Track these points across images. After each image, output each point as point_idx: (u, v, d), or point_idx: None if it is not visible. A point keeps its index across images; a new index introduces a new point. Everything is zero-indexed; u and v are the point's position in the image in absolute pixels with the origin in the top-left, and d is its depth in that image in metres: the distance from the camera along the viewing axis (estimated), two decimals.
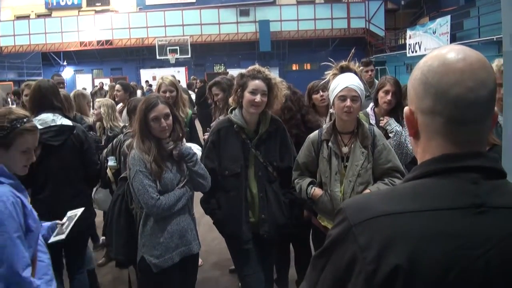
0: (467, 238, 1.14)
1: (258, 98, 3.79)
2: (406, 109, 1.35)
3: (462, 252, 1.13)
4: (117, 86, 7.31)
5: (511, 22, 3.05)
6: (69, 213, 3.56)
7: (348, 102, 3.61)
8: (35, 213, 2.87)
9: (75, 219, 3.48)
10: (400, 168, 3.74)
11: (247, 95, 3.82)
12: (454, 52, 1.26)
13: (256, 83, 3.83)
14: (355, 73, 3.88)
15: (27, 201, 2.82)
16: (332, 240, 1.27)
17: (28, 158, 2.86)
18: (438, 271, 1.12)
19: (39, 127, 3.76)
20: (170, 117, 3.67)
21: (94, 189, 5.39)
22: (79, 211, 3.60)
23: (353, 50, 4.27)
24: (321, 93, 5.09)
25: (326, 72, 4.15)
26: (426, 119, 1.28)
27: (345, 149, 3.76)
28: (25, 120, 2.84)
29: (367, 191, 3.62)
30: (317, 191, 3.84)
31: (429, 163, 1.28)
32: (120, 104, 7.64)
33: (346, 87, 3.64)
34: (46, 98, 4.35)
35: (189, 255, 3.78)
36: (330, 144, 3.79)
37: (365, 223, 1.20)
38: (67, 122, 4.35)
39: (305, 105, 4.78)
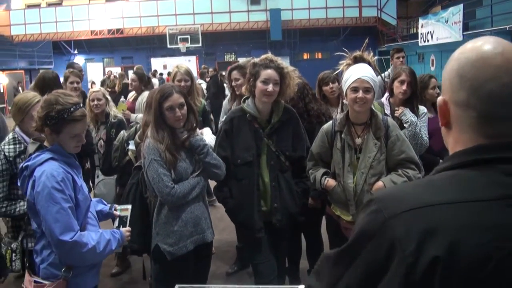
0: (503, 230, 1.12)
1: (270, 87, 3.78)
2: (439, 99, 1.33)
3: (499, 244, 1.11)
4: (132, 76, 7.24)
5: None
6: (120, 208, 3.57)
7: (360, 94, 3.59)
8: (85, 189, 3.07)
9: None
10: (414, 159, 3.71)
11: (259, 84, 3.81)
12: (492, 45, 1.23)
13: (268, 72, 3.81)
14: (369, 63, 3.86)
15: (78, 178, 3.02)
16: (362, 234, 1.25)
17: (78, 140, 3.02)
18: (476, 263, 1.10)
19: None
20: (185, 107, 3.66)
21: (96, 181, 5.46)
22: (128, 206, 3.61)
23: (366, 40, 4.24)
24: (331, 85, 5.11)
25: (340, 62, 4.13)
26: (459, 111, 1.27)
27: (358, 140, 3.75)
28: (71, 109, 2.92)
29: (380, 182, 3.61)
30: (330, 182, 3.84)
31: (461, 154, 1.26)
32: (133, 93, 7.64)
33: (358, 78, 3.61)
34: (48, 85, 5.19)
35: (203, 243, 3.79)
36: (343, 135, 3.77)
37: (401, 215, 1.18)
38: None
39: (310, 93, 4.76)
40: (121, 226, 3.38)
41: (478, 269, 1.10)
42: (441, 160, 5.15)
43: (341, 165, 3.79)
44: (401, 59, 7.74)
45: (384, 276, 1.18)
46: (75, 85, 6.11)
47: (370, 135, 3.71)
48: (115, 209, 3.51)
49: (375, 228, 1.21)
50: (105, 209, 3.46)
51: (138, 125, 4.81)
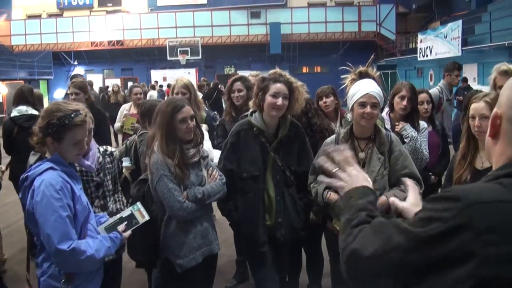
0: None
1: (279, 101, 3.80)
2: (494, 111, 1.37)
3: None
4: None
5: None
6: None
7: (368, 109, 3.59)
8: (84, 200, 3.06)
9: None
10: (416, 174, 3.71)
11: (268, 98, 3.83)
12: None
13: (278, 86, 3.83)
14: (374, 79, 3.88)
15: (77, 188, 3.01)
16: (436, 219, 1.25)
17: (79, 148, 3.04)
18: None
19: (16, 114, 5.98)
20: (194, 119, 3.72)
21: None
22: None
23: (372, 56, 4.26)
24: (325, 99, 5.19)
25: (342, 76, 4.14)
26: (510, 127, 1.32)
27: (361, 155, 3.74)
28: (72, 115, 2.97)
29: (383, 197, 3.59)
30: (332, 195, 3.77)
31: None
32: (129, 104, 7.86)
33: (366, 93, 3.61)
34: (24, 96, 6.21)
35: (210, 255, 3.82)
36: None
37: (483, 206, 1.20)
38: (35, 112, 5.95)
39: (313, 108, 4.78)
40: (126, 228, 3.30)
41: None
42: (432, 176, 5.19)
43: None
44: (459, 77, 7.56)
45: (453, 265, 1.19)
46: (74, 96, 6.18)
47: (374, 149, 3.71)
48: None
49: (453, 214, 1.22)
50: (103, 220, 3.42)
51: (128, 142, 4.84)
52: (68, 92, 6.48)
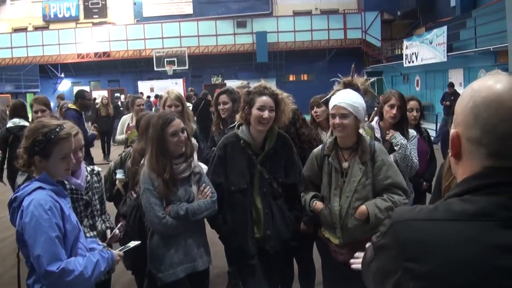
0: (499, 248, 1.20)
1: (266, 114, 3.82)
2: (453, 132, 1.40)
3: (493, 260, 1.19)
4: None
5: None
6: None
7: (337, 120, 3.67)
8: (74, 219, 3.00)
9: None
10: (400, 184, 3.71)
11: (255, 111, 3.85)
12: (506, 87, 1.30)
13: (264, 99, 3.86)
14: (357, 88, 3.90)
15: (67, 207, 2.98)
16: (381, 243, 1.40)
17: (67, 162, 3.01)
18: (467, 274, 1.20)
19: (11, 125, 7.04)
20: (185, 132, 3.72)
21: None
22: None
23: (352, 66, 4.28)
24: (315, 109, 5.23)
25: (335, 86, 4.15)
26: (471, 146, 1.35)
27: (345, 164, 3.79)
28: (57, 129, 2.96)
29: (363, 207, 3.64)
30: (318, 204, 3.88)
31: (469, 180, 1.35)
32: (130, 116, 7.86)
33: (335, 105, 3.71)
34: (17, 110, 7.28)
35: (195, 272, 3.80)
36: (330, 159, 3.83)
37: (404, 223, 1.32)
38: (26, 123, 6.80)
39: (300, 119, 4.81)
40: (121, 250, 3.32)
41: (470, 280, 1.19)
42: (424, 182, 5.29)
43: (328, 188, 3.84)
44: None
45: (393, 277, 1.31)
46: (40, 113, 6.63)
47: (356, 159, 3.74)
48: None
49: (385, 229, 1.39)
50: (97, 248, 3.33)
51: (124, 154, 4.83)
52: (33, 109, 6.95)
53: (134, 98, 8.39)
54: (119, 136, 7.61)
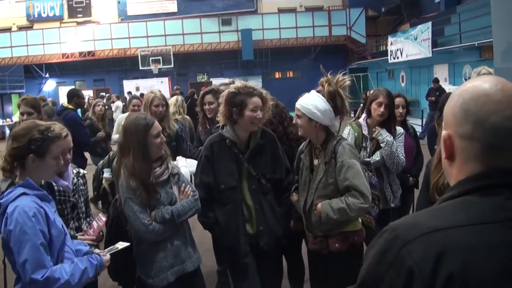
0: (506, 249, 1.23)
1: (259, 114, 3.90)
2: (444, 133, 1.43)
3: (506, 262, 1.22)
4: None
5: (501, 40, 3.14)
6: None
7: (294, 119, 3.91)
8: (59, 223, 2.95)
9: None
10: (358, 187, 3.62)
11: (248, 113, 3.87)
12: (491, 83, 1.35)
13: (255, 100, 3.90)
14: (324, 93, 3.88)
15: (52, 212, 2.91)
16: (381, 261, 1.34)
17: (57, 162, 2.98)
18: (488, 280, 1.21)
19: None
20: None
21: None
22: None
23: (321, 68, 4.19)
24: None
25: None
26: (464, 143, 1.37)
27: (315, 162, 3.91)
28: (51, 128, 2.94)
29: (319, 205, 3.72)
30: (294, 196, 4.08)
31: (465, 182, 1.37)
32: (125, 115, 7.64)
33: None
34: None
35: (185, 273, 3.77)
36: (302, 155, 4.00)
37: (417, 240, 1.28)
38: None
39: (288, 117, 4.82)
40: (108, 252, 3.31)
41: (492, 285, 1.21)
42: (410, 178, 5.33)
43: (300, 183, 4.00)
44: None
45: None
46: (26, 116, 5.98)
47: (322, 158, 3.83)
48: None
49: (393, 255, 1.31)
50: (83, 250, 3.28)
51: (111, 153, 4.80)
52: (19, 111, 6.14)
53: (131, 98, 8.21)
54: (115, 136, 7.54)
